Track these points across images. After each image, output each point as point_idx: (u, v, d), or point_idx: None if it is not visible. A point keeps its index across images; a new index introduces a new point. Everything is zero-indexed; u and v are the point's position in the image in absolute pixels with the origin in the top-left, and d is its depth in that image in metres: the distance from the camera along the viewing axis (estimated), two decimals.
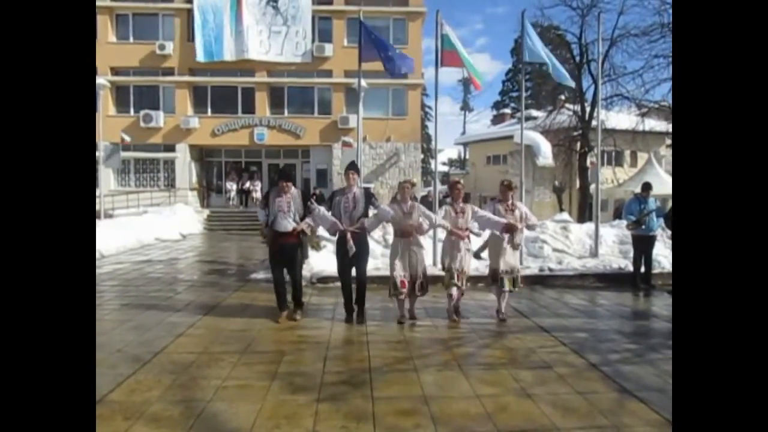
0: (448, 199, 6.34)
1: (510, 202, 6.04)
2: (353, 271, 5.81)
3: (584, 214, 18.05)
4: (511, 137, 22.84)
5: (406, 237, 5.76)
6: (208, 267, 10.39)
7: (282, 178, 5.78)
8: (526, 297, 7.15)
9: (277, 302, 5.96)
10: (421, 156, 27.12)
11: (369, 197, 5.82)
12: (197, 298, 7.15)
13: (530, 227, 6.24)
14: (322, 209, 5.74)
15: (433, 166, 14.11)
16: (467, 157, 39.04)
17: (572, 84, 10.83)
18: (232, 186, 23.09)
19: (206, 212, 21.47)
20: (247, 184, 23.17)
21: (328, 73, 23.45)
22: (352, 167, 5.87)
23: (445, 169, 46.83)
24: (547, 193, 23.82)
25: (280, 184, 5.74)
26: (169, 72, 23.22)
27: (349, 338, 5.26)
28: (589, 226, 10.73)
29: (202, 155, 24.70)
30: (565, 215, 12.93)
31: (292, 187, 5.77)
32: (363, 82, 10.46)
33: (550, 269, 8.83)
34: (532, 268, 8.77)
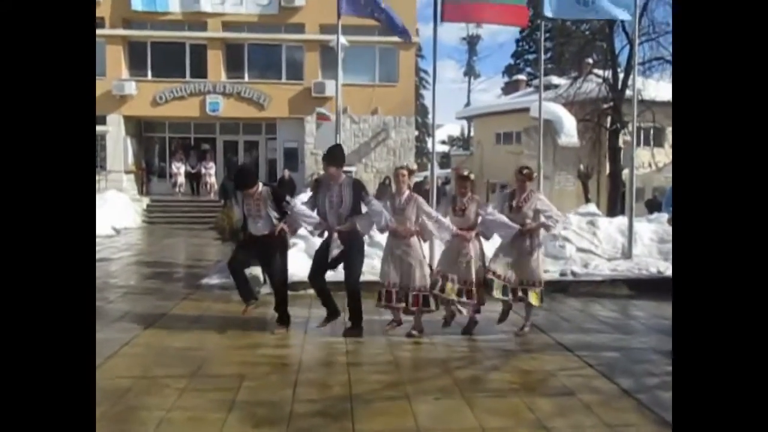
0: (448, 187, 6.31)
1: (526, 195, 5.99)
2: (343, 277, 5.81)
3: (615, 205, 18.25)
4: (526, 110, 22.92)
5: (399, 237, 5.72)
6: (148, 269, 10.34)
7: (240, 188, 5.80)
8: (543, 308, 7.18)
9: (239, 293, 5.98)
10: (416, 133, 27.13)
11: (359, 191, 5.73)
12: (134, 308, 7.12)
13: (547, 228, 6.12)
14: (303, 207, 5.75)
15: (430, 145, 14.11)
16: (472, 134, 39.18)
17: (629, 17, 10.41)
18: (178, 168, 22.88)
19: (146, 201, 21.39)
20: (198, 167, 23.03)
21: (300, 28, 23.35)
22: (333, 161, 5.74)
23: (445, 149, 46.98)
24: (571, 179, 23.97)
25: (244, 192, 5.77)
26: (98, 24, 22.91)
27: (324, 358, 5.28)
28: (621, 221, 10.83)
29: (141, 129, 24.50)
30: (592, 207, 13.04)
31: (260, 187, 5.76)
32: (343, 40, 10.41)
33: (574, 273, 8.91)
34: (551, 272, 8.82)
